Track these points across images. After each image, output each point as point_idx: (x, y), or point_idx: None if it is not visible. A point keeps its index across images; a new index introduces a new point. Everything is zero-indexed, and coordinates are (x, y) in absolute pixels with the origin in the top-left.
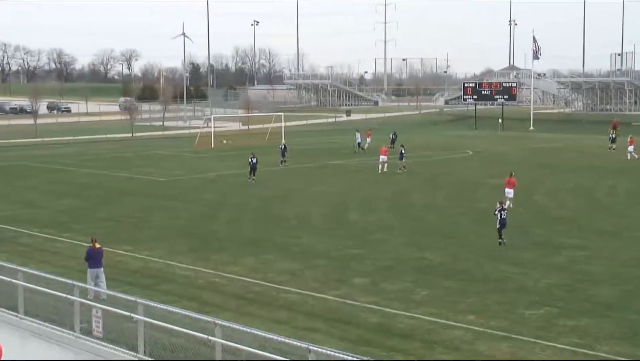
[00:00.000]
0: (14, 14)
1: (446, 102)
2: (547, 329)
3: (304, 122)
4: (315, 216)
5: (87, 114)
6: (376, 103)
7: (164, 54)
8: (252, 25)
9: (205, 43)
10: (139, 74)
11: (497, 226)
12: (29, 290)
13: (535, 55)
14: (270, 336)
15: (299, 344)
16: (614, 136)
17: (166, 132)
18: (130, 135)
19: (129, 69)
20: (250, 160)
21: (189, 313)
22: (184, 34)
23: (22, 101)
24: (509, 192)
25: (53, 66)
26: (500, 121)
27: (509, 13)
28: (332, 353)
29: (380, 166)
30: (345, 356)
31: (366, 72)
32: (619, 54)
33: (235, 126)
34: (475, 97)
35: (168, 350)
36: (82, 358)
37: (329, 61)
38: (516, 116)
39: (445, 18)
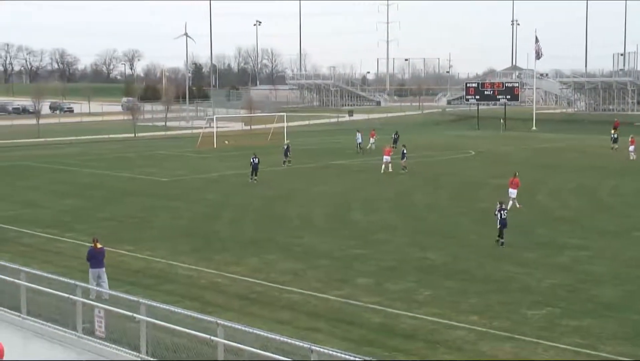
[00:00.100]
0: (14, 14)
1: (448, 102)
2: (550, 329)
3: (307, 122)
4: (317, 216)
5: (89, 114)
6: (378, 103)
7: (166, 54)
8: (254, 25)
9: (208, 43)
10: (142, 74)
11: (498, 226)
12: (32, 290)
13: (537, 55)
14: (273, 336)
15: (301, 344)
16: (615, 136)
17: (168, 133)
18: (132, 135)
19: (131, 69)
20: (252, 160)
21: (191, 313)
22: (186, 34)
23: (25, 101)
24: (512, 192)
25: (56, 66)
26: (502, 121)
27: (512, 13)
28: (335, 353)
29: (383, 166)
30: (347, 357)
31: (368, 72)
32: (621, 54)
33: (238, 126)
34: (477, 97)
35: (170, 350)
36: (84, 358)
37: (331, 61)
38: (519, 116)
39: (447, 18)
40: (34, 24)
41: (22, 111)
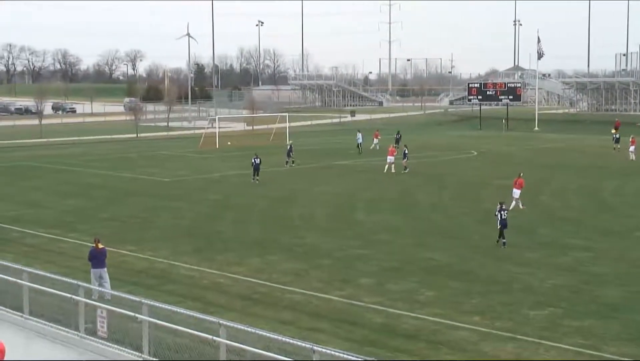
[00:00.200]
0: (14, 14)
1: (451, 102)
2: (552, 330)
3: (309, 122)
4: (320, 216)
5: (92, 114)
6: (381, 103)
7: (168, 55)
8: (256, 25)
9: (210, 43)
10: (144, 75)
11: (498, 227)
12: (34, 290)
13: (539, 56)
14: (275, 336)
15: (303, 344)
16: (617, 136)
17: (171, 133)
18: (135, 135)
19: (133, 69)
20: (253, 160)
21: (193, 314)
22: (188, 34)
23: (27, 102)
24: (516, 192)
25: (58, 66)
26: (505, 121)
27: (514, 13)
28: (337, 353)
29: (387, 166)
30: (349, 357)
31: (371, 72)
32: (624, 54)
33: (240, 126)
34: (480, 97)
35: (173, 350)
36: (86, 358)
37: (333, 61)
38: (521, 116)
39: (449, 18)
40: (34, 24)
41: (25, 112)
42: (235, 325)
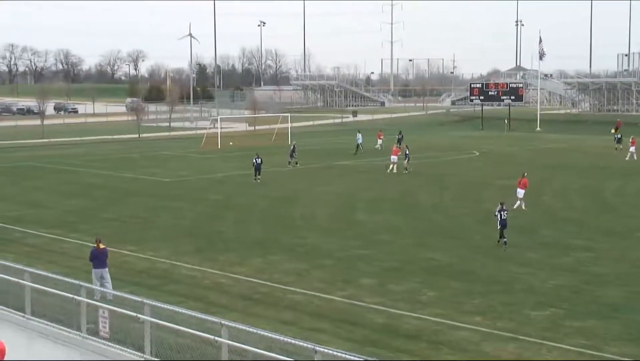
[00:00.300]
0: (14, 14)
1: (453, 102)
2: (554, 330)
3: (311, 123)
4: (321, 216)
5: (94, 114)
6: (383, 104)
7: (170, 55)
8: (258, 25)
9: (212, 44)
10: (146, 75)
11: (498, 227)
12: (36, 291)
13: (540, 56)
14: (277, 336)
15: (305, 345)
16: (619, 136)
17: (173, 133)
18: (137, 136)
19: (135, 69)
20: (254, 161)
21: (195, 314)
22: (190, 34)
23: (30, 102)
24: (520, 192)
25: (60, 66)
26: (506, 121)
27: (516, 13)
28: (338, 353)
29: (391, 166)
30: (351, 357)
31: (372, 72)
32: (625, 55)
33: (242, 126)
34: (481, 97)
35: (174, 350)
36: (88, 358)
37: (335, 61)
38: (523, 116)
39: (451, 18)
40: (34, 24)
41: (27, 112)
42: (237, 325)
